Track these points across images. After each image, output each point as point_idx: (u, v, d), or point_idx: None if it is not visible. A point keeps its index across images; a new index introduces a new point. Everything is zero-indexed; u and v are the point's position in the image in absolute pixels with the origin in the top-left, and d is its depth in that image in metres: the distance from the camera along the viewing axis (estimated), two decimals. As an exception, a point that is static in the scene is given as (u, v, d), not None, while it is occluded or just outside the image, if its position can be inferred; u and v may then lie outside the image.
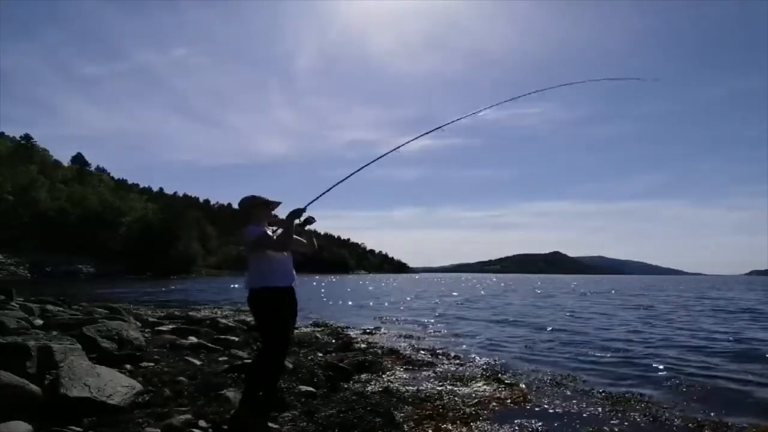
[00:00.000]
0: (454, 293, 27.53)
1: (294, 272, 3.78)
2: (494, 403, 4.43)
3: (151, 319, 9.68)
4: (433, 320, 12.41)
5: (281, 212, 3.90)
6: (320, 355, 6.51)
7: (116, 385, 3.74)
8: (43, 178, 58.38)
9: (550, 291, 31.58)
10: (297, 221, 3.66)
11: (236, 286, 32.94)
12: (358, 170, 4.27)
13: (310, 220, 3.76)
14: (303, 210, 3.68)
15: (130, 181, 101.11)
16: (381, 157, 4.41)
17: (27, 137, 69.66)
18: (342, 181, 4.15)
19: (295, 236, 3.69)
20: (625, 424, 4.00)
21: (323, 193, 3.94)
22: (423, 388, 4.91)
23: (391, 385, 4.93)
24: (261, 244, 3.57)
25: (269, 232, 3.68)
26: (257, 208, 3.74)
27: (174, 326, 8.42)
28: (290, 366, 5.09)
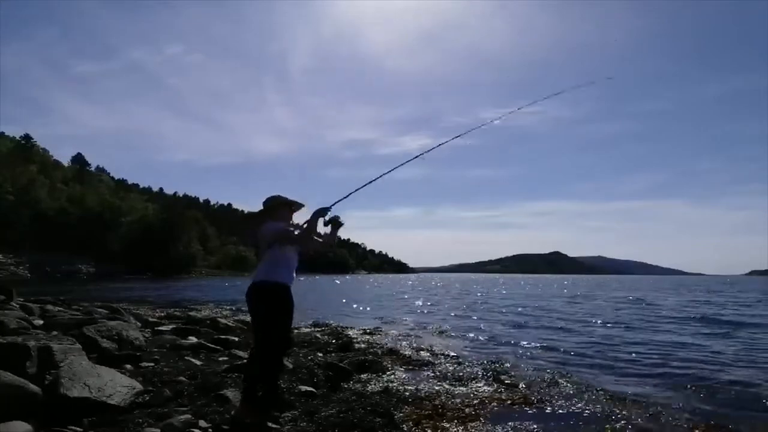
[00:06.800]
0: (449, 294, 27.50)
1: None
2: (494, 403, 4.43)
3: (151, 319, 9.68)
4: (433, 320, 12.41)
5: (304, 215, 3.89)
6: (320, 355, 6.50)
7: (116, 385, 3.73)
8: (43, 178, 58.38)
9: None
10: (322, 220, 3.67)
11: (227, 284, 32.93)
12: (390, 171, 4.22)
13: (335, 221, 3.72)
14: (328, 209, 3.68)
15: (130, 181, 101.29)
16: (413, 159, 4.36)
17: (27, 137, 69.72)
18: (372, 182, 4.07)
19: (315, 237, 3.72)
20: (626, 423, 3.99)
21: (350, 194, 3.86)
22: (423, 388, 4.91)
23: (391, 385, 4.93)
24: (283, 238, 3.59)
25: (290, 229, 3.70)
26: (280, 207, 3.77)
27: (174, 326, 8.42)
28: (290, 366, 5.08)
